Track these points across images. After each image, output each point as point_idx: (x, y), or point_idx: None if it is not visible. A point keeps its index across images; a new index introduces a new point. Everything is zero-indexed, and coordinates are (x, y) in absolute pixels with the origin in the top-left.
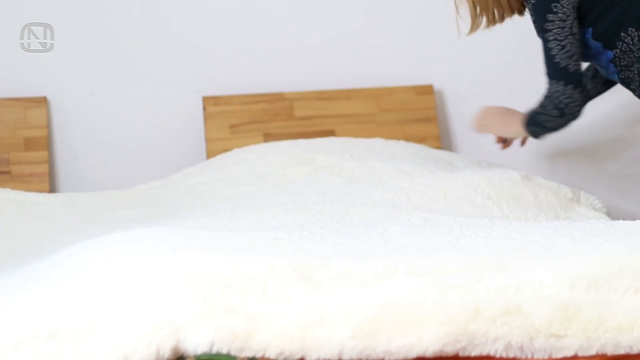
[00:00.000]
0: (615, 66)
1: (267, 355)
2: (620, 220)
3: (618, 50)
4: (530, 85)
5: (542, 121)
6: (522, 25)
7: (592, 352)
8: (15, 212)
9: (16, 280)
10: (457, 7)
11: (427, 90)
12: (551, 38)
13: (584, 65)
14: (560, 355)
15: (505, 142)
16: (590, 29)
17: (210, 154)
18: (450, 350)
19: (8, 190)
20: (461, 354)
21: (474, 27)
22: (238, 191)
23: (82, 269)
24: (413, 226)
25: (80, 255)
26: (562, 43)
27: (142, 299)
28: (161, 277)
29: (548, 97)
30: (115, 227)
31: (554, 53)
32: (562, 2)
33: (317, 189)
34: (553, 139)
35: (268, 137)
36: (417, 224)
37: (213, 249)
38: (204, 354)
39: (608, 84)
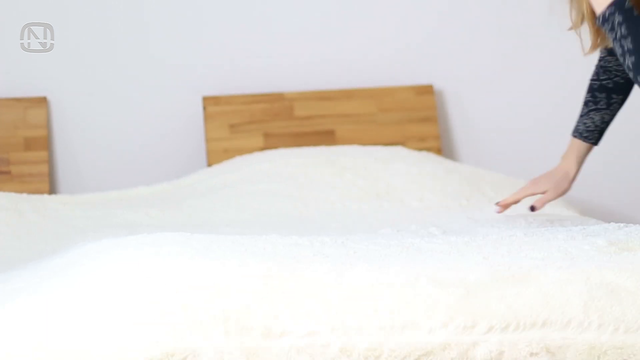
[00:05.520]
0: None
1: None
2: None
3: None
4: (530, 84)
5: None
6: (522, 25)
7: None
8: (30, 216)
9: (35, 276)
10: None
11: (427, 90)
12: None
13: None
14: None
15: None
16: None
17: (210, 153)
18: None
19: (25, 195)
20: None
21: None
22: (261, 188)
23: (99, 270)
24: (434, 235)
25: (98, 255)
26: None
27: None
28: (174, 287)
29: None
30: (140, 229)
31: None
32: None
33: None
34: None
35: (268, 137)
36: (436, 233)
37: (232, 257)
38: None
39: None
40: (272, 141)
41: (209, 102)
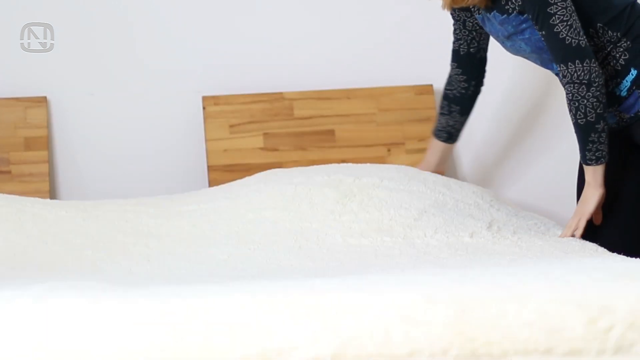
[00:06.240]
0: None
1: None
2: None
3: None
4: (530, 84)
5: (592, 119)
6: None
7: None
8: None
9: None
10: None
11: (427, 90)
12: (557, 21)
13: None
14: None
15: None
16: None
17: (210, 153)
18: None
19: (25, 198)
20: None
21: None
22: (262, 215)
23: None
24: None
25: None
26: (569, 22)
27: None
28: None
29: (577, 90)
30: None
31: (563, 36)
32: None
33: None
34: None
35: (267, 137)
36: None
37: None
38: None
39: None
40: (271, 141)
41: (209, 102)
